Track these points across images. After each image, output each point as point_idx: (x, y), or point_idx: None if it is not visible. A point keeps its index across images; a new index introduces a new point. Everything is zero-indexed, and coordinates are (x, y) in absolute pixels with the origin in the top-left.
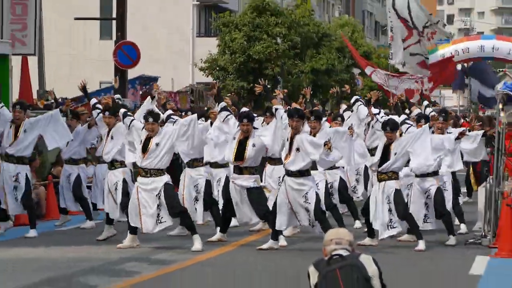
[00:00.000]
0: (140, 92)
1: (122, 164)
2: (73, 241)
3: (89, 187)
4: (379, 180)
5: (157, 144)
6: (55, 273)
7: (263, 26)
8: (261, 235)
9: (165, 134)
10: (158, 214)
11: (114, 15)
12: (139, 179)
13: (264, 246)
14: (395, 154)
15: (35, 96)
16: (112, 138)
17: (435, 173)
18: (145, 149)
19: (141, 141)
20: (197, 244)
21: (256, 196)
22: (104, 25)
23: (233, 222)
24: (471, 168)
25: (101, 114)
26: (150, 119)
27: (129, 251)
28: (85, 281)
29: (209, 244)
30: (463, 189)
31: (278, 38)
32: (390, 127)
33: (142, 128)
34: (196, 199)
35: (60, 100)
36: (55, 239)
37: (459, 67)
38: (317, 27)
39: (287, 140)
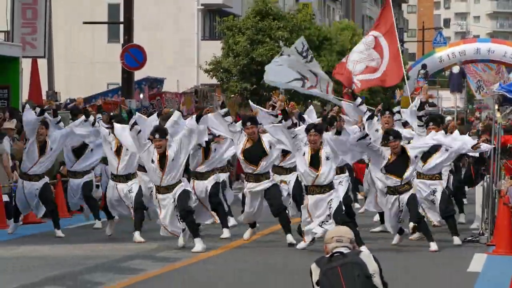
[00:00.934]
0: (141, 94)
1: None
2: (78, 239)
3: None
4: (400, 193)
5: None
6: (61, 271)
7: (265, 30)
8: (261, 234)
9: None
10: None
11: (121, 19)
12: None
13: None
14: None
15: (44, 97)
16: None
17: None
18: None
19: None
20: (199, 246)
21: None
22: (112, 29)
23: (232, 221)
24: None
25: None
26: (157, 136)
27: (133, 249)
28: (90, 278)
29: (212, 243)
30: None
31: (280, 41)
32: (393, 136)
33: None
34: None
35: (68, 101)
36: (61, 237)
37: (457, 69)
38: (318, 30)
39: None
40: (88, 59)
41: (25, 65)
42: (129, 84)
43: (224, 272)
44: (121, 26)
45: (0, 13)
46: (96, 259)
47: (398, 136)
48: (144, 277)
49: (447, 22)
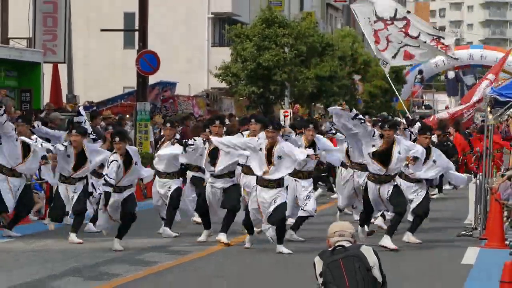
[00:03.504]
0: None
1: None
2: (95, 233)
3: None
4: (380, 183)
5: None
6: (80, 263)
7: (271, 37)
8: None
9: None
10: None
11: (136, 27)
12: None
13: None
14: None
15: (64, 100)
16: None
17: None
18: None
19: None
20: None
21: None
22: (128, 36)
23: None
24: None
25: None
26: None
27: (148, 242)
28: (108, 270)
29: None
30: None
31: (285, 47)
32: (389, 125)
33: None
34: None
35: (86, 103)
36: (79, 231)
37: (452, 74)
38: (321, 37)
39: (264, 151)
40: (106, 64)
41: (46, 70)
42: (144, 87)
43: (234, 265)
44: (136, 33)
45: (22, 21)
46: (113, 252)
47: (393, 126)
48: (158, 269)
49: (442, 30)
